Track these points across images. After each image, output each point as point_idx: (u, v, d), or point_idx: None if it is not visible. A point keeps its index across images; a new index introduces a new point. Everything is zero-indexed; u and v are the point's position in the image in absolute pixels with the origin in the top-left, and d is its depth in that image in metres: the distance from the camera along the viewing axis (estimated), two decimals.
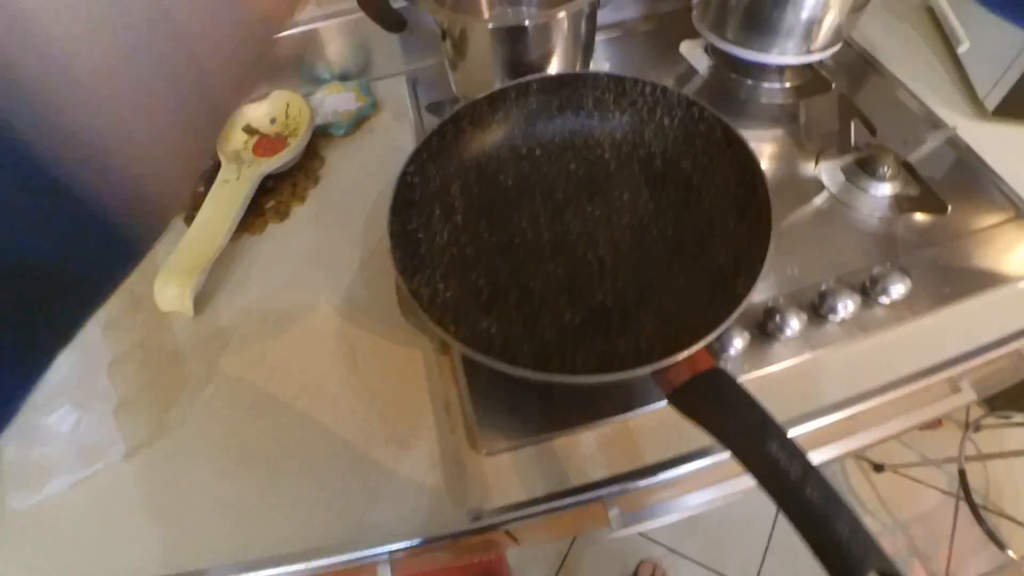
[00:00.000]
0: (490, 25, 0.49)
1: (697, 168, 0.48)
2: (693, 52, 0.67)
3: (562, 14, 0.49)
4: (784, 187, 0.57)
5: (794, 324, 0.46)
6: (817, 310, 0.48)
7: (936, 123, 0.61)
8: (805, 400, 0.45)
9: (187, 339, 0.50)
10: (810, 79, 0.65)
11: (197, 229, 0.53)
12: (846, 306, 0.47)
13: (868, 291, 0.49)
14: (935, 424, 1.36)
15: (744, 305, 0.37)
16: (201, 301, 0.52)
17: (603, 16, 0.71)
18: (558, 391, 0.45)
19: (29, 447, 0.44)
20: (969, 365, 0.48)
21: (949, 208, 0.53)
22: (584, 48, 0.55)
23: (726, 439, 0.33)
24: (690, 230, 0.46)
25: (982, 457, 1.28)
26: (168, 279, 0.50)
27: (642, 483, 0.42)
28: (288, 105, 0.61)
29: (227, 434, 0.45)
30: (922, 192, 0.55)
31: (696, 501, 0.57)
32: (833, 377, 0.46)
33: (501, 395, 0.45)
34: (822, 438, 0.58)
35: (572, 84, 0.50)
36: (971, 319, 0.49)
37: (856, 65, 0.68)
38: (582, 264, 0.46)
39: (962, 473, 1.24)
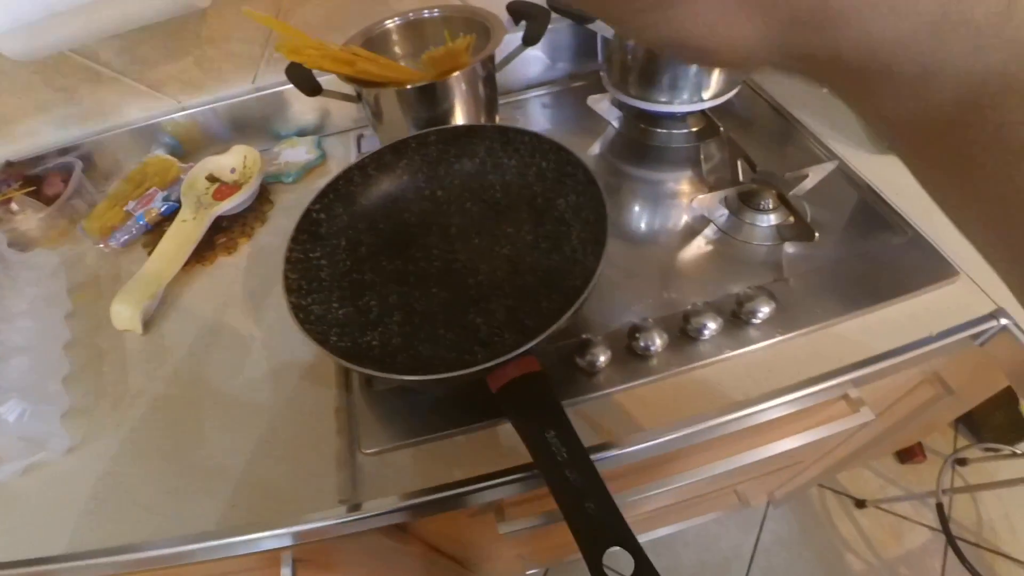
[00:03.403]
0: (395, 88, 0.57)
1: (569, 206, 0.54)
2: (600, 105, 0.75)
3: (456, 74, 0.57)
4: (679, 224, 0.63)
5: (658, 342, 0.51)
6: (684, 330, 0.52)
7: (823, 158, 0.66)
8: (675, 412, 0.49)
9: (135, 355, 0.58)
10: (705, 125, 0.71)
11: (153, 261, 0.62)
12: (709, 326, 0.51)
13: (738, 313, 0.53)
14: (919, 458, 1.34)
15: (567, 316, 0.42)
16: (152, 322, 0.60)
17: (535, 74, 0.80)
18: (441, 399, 0.50)
19: None
20: (845, 378, 0.50)
21: (816, 235, 0.57)
22: (487, 105, 0.63)
23: (519, 428, 0.38)
24: (559, 260, 0.52)
25: (966, 489, 1.24)
26: (123, 301, 0.59)
27: (500, 480, 0.46)
28: (246, 157, 0.71)
29: (157, 437, 0.52)
30: (796, 222, 0.59)
31: None
32: (704, 393, 0.50)
33: (390, 403, 0.50)
34: (714, 453, 0.61)
35: (466, 135, 0.57)
36: (844, 336, 0.52)
37: (756, 107, 0.75)
38: (462, 289, 0.52)
39: (939, 506, 1.21)
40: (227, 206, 0.66)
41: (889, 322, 0.52)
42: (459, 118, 0.62)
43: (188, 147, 0.77)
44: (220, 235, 0.67)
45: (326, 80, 0.61)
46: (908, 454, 1.35)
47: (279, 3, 0.68)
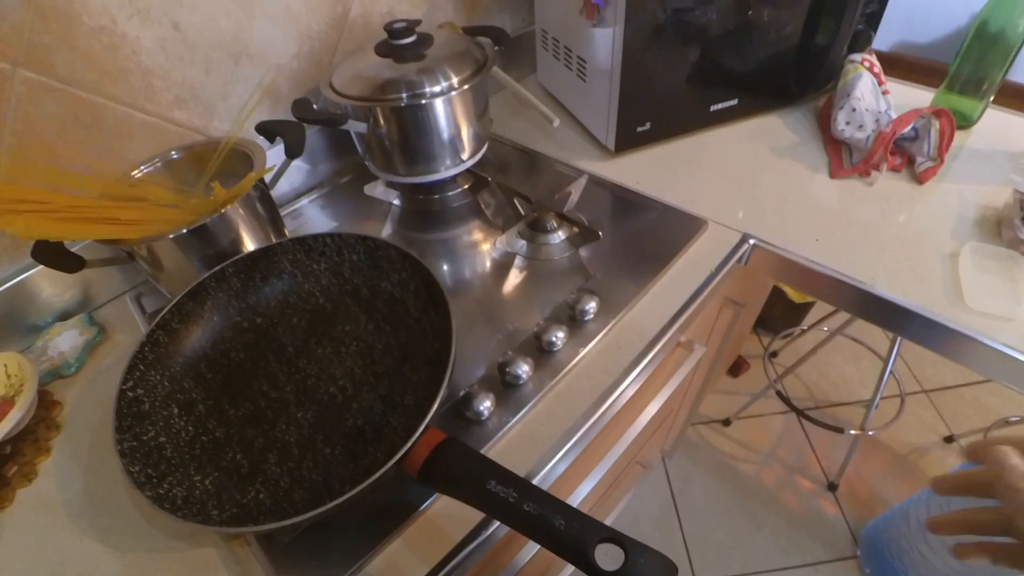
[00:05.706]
0: (171, 236, 0.54)
1: (394, 284, 0.56)
2: (377, 191, 0.79)
3: (232, 205, 0.56)
4: (491, 266, 0.68)
5: (525, 368, 0.55)
6: (541, 348, 0.58)
7: (574, 175, 0.78)
8: (568, 416, 0.53)
9: None
10: (474, 180, 0.79)
11: None
12: (558, 336, 0.57)
13: (574, 316, 0.60)
14: (745, 367, 1.64)
15: (446, 381, 0.43)
16: None
17: (301, 182, 0.81)
18: (351, 518, 0.48)
19: None
20: (674, 329, 0.60)
21: (600, 234, 0.68)
22: (272, 223, 0.63)
23: (460, 495, 0.39)
24: (408, 334, 0.54)
25: (787, 372, 1.54)
26: None
27: (457, 560, 0.45)
28: (6, 366, 0.60)
29: None
30: (580, 230, 0.69)
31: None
32: (582, 389, 0.55)
33: (302, 551, 0.46)
34: (612, 434, 0.67)
35: (265, 257, 0.56)
36: (656, 299, 0.63)
37: (506, 154, 0.87)
38: (327, 400, 0.51)
39: (778, 393, 1.52)
40: (3, 429, 0.55)
41: (680, 275, 0.65)
42: (248, 244, 0.60)
43: None
44: (8, 465, 0.55)
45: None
46: (736, 368, 1.64)
47: None
